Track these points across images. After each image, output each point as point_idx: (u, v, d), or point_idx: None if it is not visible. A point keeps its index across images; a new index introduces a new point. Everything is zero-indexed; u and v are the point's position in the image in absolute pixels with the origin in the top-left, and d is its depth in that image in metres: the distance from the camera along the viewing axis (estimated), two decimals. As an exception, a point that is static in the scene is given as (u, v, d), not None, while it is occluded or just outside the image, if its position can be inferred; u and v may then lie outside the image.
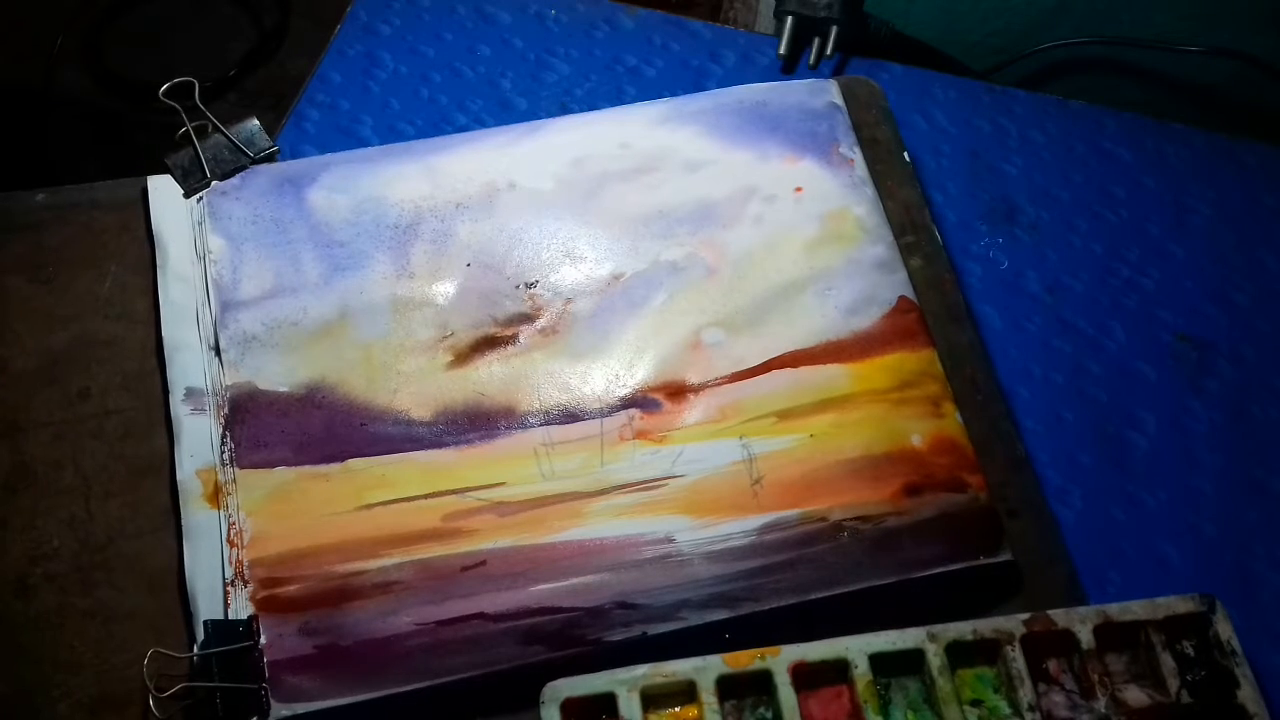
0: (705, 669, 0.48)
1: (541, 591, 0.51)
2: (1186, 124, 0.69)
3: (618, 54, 0.72)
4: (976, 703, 0.49)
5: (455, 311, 0.58)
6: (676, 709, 0.49)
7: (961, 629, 0.49)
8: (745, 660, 0.49)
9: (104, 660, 0.51)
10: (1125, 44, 0.78)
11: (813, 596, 0.51)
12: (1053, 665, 0.50)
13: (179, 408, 0.55)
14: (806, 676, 0.49)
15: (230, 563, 0.51)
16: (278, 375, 0.56)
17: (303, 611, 0.50)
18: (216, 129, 0.63)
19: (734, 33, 0.73)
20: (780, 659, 0.49)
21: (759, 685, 0.49)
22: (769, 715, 0.49)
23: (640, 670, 0.48)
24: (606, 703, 0.48)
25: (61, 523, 0.53)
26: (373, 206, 0.61)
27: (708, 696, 0.48)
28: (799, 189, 0.62)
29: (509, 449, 0.55)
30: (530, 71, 0.71)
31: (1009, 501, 0.55)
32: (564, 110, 0.69)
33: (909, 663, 0.49)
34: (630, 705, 0.48)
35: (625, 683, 0.48)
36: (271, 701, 0.48)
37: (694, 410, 0.56)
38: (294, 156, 0.65)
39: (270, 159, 0.63)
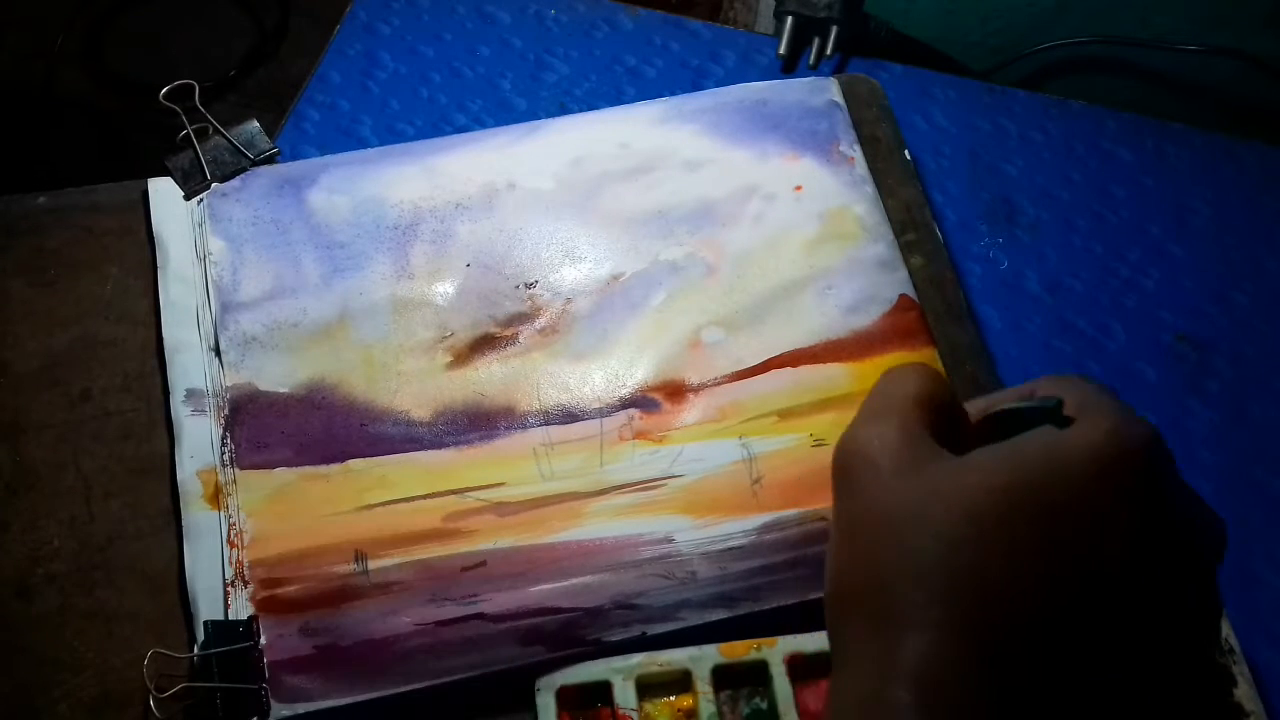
0: (701, 658, 0.49)
1: (541, 592, 0.51)
2: (1186, 124, 0.69)
3: (617, 54, 0.72)
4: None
5: (455, 312, 0.58)
6: (672, 698, 0.49)
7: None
8: (741, 650, 0.49)
9: (104, 660, 0.51)
10: (1125, 44, 0.78)
11: (813, 596, 0.51)
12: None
13: (179, 409, 0.55)
14: (802, 667, 0.49)
15: (230, 563, 0.51)
16: (278, 376, 0.56)
17: (303, 612, 0.50)
18: (217, 131, 0.63)
19: (734, 33, 0.73)
20: (776, 650, 0.49)
21: (755, 676, 0.49)
22: (764, 706, 0.49)
23: (636, 659, 0.48)
24: (602, 691, 0.48)
25: (62, 524, 0.54)
26: (372, 207, 0.61)
27: (703, 686, 0.48)
28: (799, 187, 0.62)
29: (509, 449, 0.55)
30: (530, 71, 0.71)
31: (1009, 501, 0.55)
32: (563, 110, 0.69)
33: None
34: (625, 693, 0.48)
35: (621, 671, 0.48)
36: (271, 702, 0.48)
37: (693, 410, 0.56)
38: (294, 156, 0.65)
39: (270, 160, 0.63)
